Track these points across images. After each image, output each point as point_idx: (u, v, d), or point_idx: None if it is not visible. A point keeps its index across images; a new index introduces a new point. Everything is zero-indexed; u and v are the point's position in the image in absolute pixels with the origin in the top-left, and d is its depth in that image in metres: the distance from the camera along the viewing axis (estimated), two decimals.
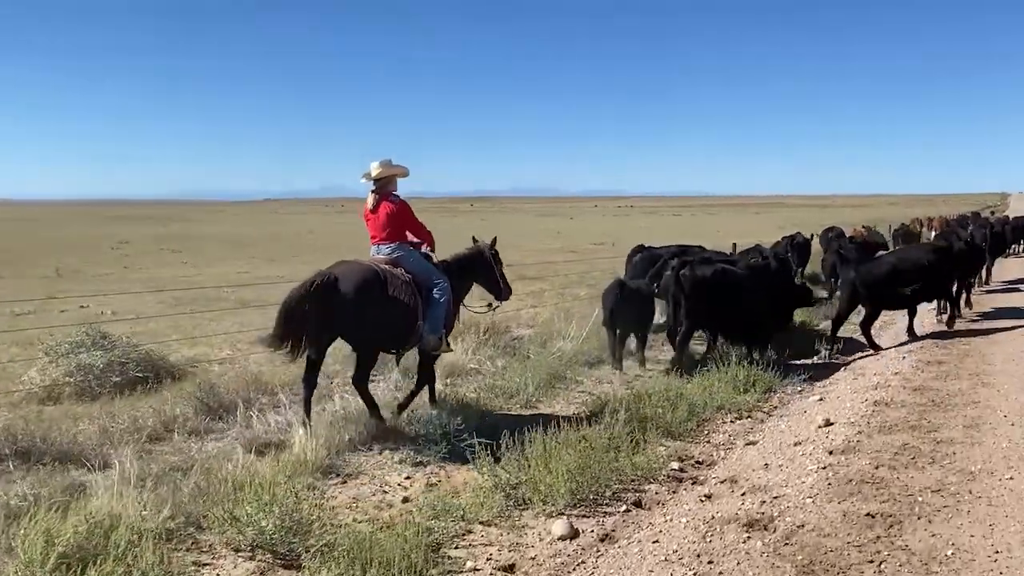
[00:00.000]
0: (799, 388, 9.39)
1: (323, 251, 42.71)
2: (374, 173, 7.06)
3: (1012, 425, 6.52)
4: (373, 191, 7.12)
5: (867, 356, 10.93)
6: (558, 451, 5.81)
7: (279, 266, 31.85)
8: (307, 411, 6.59)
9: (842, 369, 10.25)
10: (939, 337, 11.76)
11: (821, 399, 8.43)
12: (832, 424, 6.97)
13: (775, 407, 8.53)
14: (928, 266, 11.20)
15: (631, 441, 6.61)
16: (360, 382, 6.78)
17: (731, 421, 7.89)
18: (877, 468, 5.52)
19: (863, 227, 31.44)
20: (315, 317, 6.21)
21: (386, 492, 5.68)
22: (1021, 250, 27.59)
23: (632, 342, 10.55)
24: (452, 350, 8.03)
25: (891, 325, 13.33)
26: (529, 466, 5.64)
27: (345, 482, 5.84)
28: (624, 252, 14.66)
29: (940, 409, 7.18)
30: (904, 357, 10.05)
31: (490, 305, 8.19)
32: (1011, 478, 5.27)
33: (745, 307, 9.83)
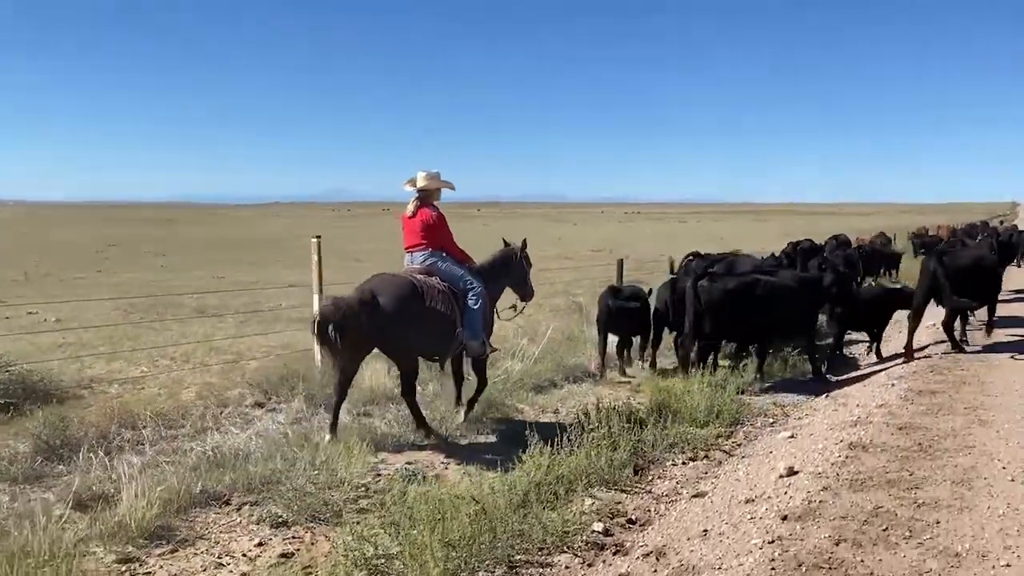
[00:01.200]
0: (771, 420, 8.24)
1: (307, 255, 41.89)
2: (420, 183, 7.17)
3: (1012, 481, 5.32)
4: (415, 199, 7.21)
5: (857, 378, 9.79)
6: (452, 509, 4.69)
7: (259, 270, 30.94)
8: (335, 418, 6.69)
9: (824, 396, 9.09)
10: (937, 353, 10.63)
11: (792, 436, 7.25)
12: (796, 473, 5.79)
13: (739, 444, 7.37)
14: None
15: (551, 493, 5.49)
16: (408, 395, 6.82)
17: (683, 463, 6.72)
18: (838, 544, 4.33)
19: (879, 235, 30.93)
20: (353, 333, 6.26)
21: (222, 566, 4.53)
22: None
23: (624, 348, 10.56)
24: (497, 349, 8.09)
25: (887, 341, 12.16)
26: (413, 530, 4.51)
27: (175, 551, 4.66)
28: (626, 258, 14.64)
29: (927, 456, 5.99)
30: (893, 384, 8.86)
31: (514, 307, 8.29)
32: (1007, 564, 4.07)
33: (772, 316, 9.69)
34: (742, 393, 8.99)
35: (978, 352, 10.91)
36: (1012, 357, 10.27)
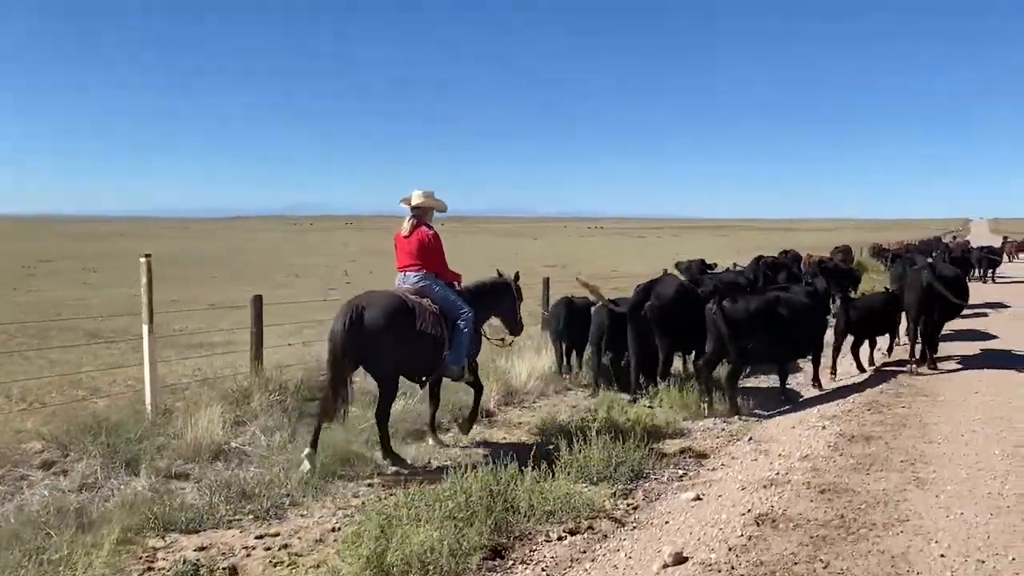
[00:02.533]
0: (681, 472, 7.00)
1: (252, 270, 40.83)
2: (415, 201, 7.14)
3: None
4: (410, 217, 7.15)
5: (790, 414, 8.67)
6: None
7: (187, 288, 29.38)
8: (315, 440, 6.48)
9: (747, 439, 7.89)
10: (880, 384, 9.59)
11: (698, 497, 6.01)
12: (684, 561, 4.56)
13: (636, 507, 6.10)
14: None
15: None
16: (382, 417, 6.66)
17: (560, 537, 5.42)
18: None
19: (839, 249, 30.63)
20: (347, 349, 6.27)
21: None
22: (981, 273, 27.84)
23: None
24: (471, 378, 7.69)
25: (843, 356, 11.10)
26: None
27: None
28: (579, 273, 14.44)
29: (848, 535, 4.79)
30: (824, 426, 7.73)
31: (502, 339, 8.32)
32: None
33: (785, 334, 9.26)
34: (655, 437, 7.79)
35: (928, 377, 9.88)
36: (960, 387, 9.22)
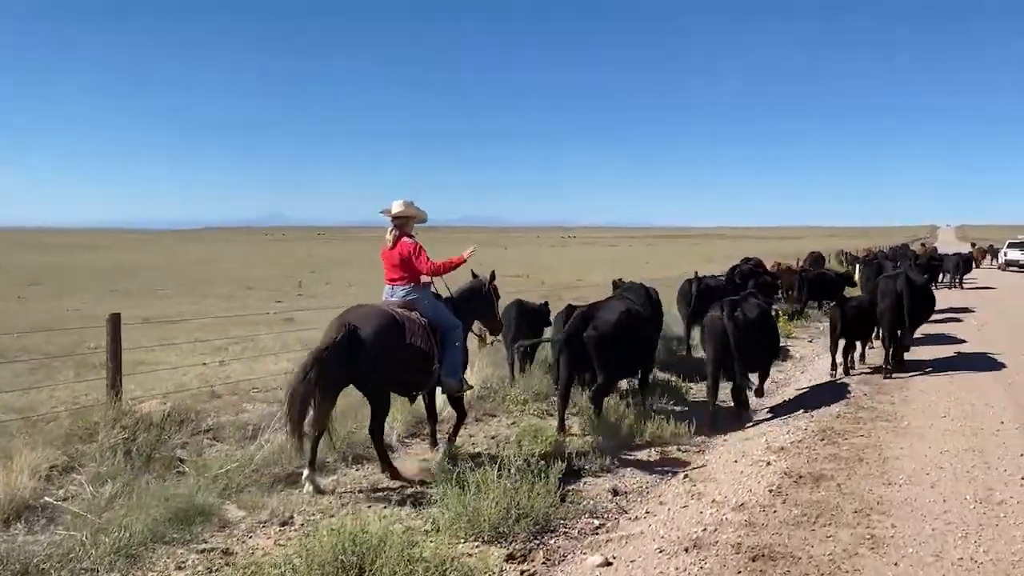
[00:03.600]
0: (598, 522, 5.85)
1: (204, 282, 39.35)
2: (395, 211, 6.97)
3: None
4: (392, 229, 6.98)
5: (736, 441, 7.60)
6: None
7: (127, 300, 27.94)
8: (312, 460, 6.26)
9: (681, 476, 6.76)
10: (838, 403, 8.55)
11: (606, 563, 4.87)
12: None
13: (534, 574, 4.96)
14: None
15: None
16: (377, 433, 6.52)
17: None
18: None
19: (812, 254, 30.24)
20: (334, 366, 6.04)
21: None
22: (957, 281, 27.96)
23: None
24: (472, 387, 7.96)
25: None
26: None
27: None
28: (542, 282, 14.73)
29: None
30: (769, 462, 6.64)
31: (482, 339, 8.17)
32: None
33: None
34: (576, 475, 6.66)
35: (891, 396, 8.86)
36: (925, 410, 8.20)
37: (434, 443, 7.38)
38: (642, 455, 7.44)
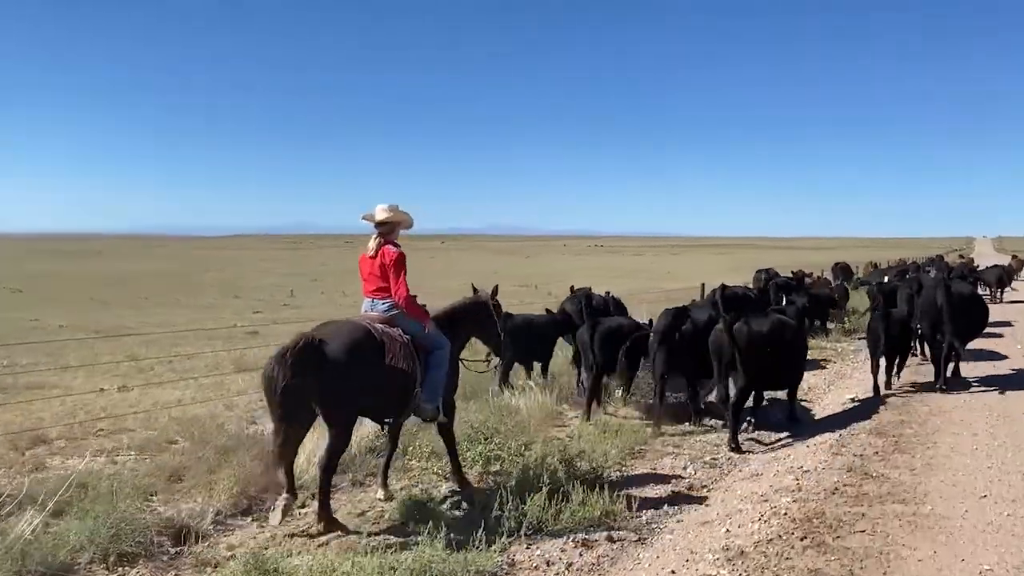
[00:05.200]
0: None
1: (194, 291, 38.04)
2: (379, 216, 6.22)
3: None
4: (376, 236, 6.22)
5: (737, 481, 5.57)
6: None
7: (101, 310, 26.51)
8: (291, 484, 5.51)
9: (666, 533, 4.65)
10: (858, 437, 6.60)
11: None
12: None
13: None
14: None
15: None
16: (328, 469, 5.46)
17: None
18: None
19: (839, 265, 28.33)
20: (296, 389, 5.18)
21: None
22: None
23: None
24: (446, 421, 6.49)
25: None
26: None
27: None
28: (548, 293, 13.72)
29: None
30: (764, 518, 4.65)
31: (488, 360, 7.30)
32: None
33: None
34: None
35: (914, 464, 6.69)
36: (960, 487, 6.01)
37: (385, 473, 6.39)
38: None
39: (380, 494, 6.24)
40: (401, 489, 6.44)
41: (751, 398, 8.38)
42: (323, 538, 5.28)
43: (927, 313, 10.69)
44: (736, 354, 7.88)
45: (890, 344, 10.31)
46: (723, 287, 13.14)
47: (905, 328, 10.88)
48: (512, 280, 45.87)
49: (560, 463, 6.54)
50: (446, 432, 6.50)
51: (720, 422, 8.59)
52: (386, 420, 6.32)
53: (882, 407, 9.11)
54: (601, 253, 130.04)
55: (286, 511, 5.42)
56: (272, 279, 45.73)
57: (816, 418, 9.02)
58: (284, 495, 5.44)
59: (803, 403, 9.80)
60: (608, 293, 12.75)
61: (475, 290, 7.34)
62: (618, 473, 6.84)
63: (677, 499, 6.15)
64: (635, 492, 6.19)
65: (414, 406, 6.13)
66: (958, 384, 10.38)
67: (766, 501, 5.77)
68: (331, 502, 5.55)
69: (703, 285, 17.54)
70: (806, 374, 12.17)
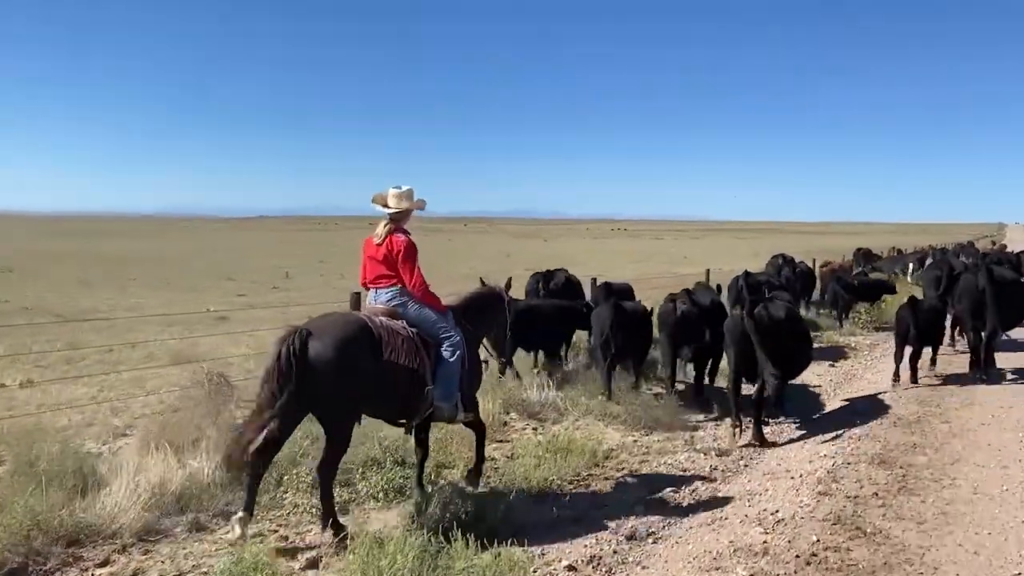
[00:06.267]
0: None
1: (183, 273, 36.83)
2: (392, 203, 5.66)
3: None
4: (387, 222, 5.65)
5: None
6: None
7: (78, 291, 25.47)
8: (250, 502, 4.95)
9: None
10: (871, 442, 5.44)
11: None
12: None
13: None
14: None
15: None
16: (326, 473, 4.99)
17: None
18: None
19: (861, 251, 28.37)
20: (283, 386, 4.81)
21: None
22: None
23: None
24: (471, 419, 5.93)
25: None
26: None
27: None
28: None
29: None
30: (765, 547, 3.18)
31: (485, 362, 6.49)
32: None
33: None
34: None
35: (928, 491, 5.16)
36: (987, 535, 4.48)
37: (419, 482, 5.83)
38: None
39: (417, 496, 5.66)
40: (256, 536, 4.98)
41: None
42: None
43: (967, 299, 10.21)
44: (758, 341, 7.42)
45: (919, 332, 9.78)
46: (747, 273, 13.07)
47: (936, 316, 10.29)
48: (525, 264, 44.49)
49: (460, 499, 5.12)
50: (475, 426, 6.02)
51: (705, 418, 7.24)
52: (400, 422, 5.71)
53: (892, 423, 7.55)
54: (621, 237, 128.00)
55: (244, 527, 4.86)
56: (277, 260, 44.59)
57: (810, 436, 7.48)
58: (242, 512, 4.90)
59: (803, 411, 8.36)
60: (556, 271, 12.08)
61: (482, 282, 6.92)
62: (533, 517, 5.34)
63: (600, 562, 4.63)
64: (548, 551, 4.72)
65: (428, 406, 5.54)
66: (995, 374, 9.98)
67: (717, 570, 4.25)
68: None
69: (708, 271, 16.18)
70: (811, 374, 10.78)
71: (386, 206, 5.69)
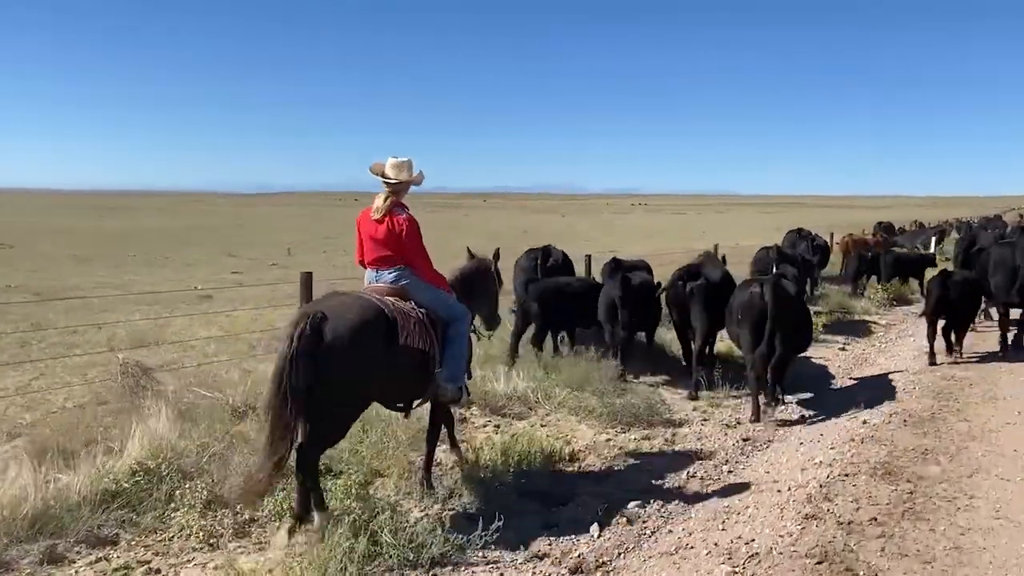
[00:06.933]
0: None
1: (183, 249, 36.22)
2: (391, 173, 5.34)
3: None
4: (386, 194, 5.31)
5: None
6: None
7: (71, 267, 24.94)
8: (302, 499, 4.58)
9: None
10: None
11: None
12: None
13: None
14: None
15: None
16: (315, 456, 4.62)
17: None
18: None
19: (881, 224, 28.24)
20: (292, 373, 4.40)
21: None
22: None
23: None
24: (473, 402, 6.56)
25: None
26: None
27: None
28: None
29: None
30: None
31: (475, 331, 6.22)
32: None
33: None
34: None
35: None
36: None
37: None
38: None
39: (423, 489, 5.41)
40: (119, 570, 4.15)
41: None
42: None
43: (1001, 272, 9.84)
44: (775, 316, 7.25)
45: (950, 307, 9.44)
46: (777, 248, 13.26)
47: (970, 290, 9.79)
48: (539, 239, 43.59)
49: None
50: (446, 413, 5.77)
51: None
52: (398, 406, 5.50)
53: (902, 422, 6.58)
54: (642, 212, 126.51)
55: (293, 531, 4.46)
56: (285, 236, 44.00)
57: (808, 435, 6.54)
58: (291, 518, 4.54)
59: (803, 403, 7.47)
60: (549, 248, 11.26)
61: (471, 255, 6.64)
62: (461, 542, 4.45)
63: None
64: None
65: (434, 389, 5.33)
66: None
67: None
68: None
69: (716, 246, 15.25)
70: (819, 359, 10.03)
71: (384, 176, 5.38)
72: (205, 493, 4.80)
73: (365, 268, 5.47)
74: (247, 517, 4.79)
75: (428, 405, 5.57)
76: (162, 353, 10.77)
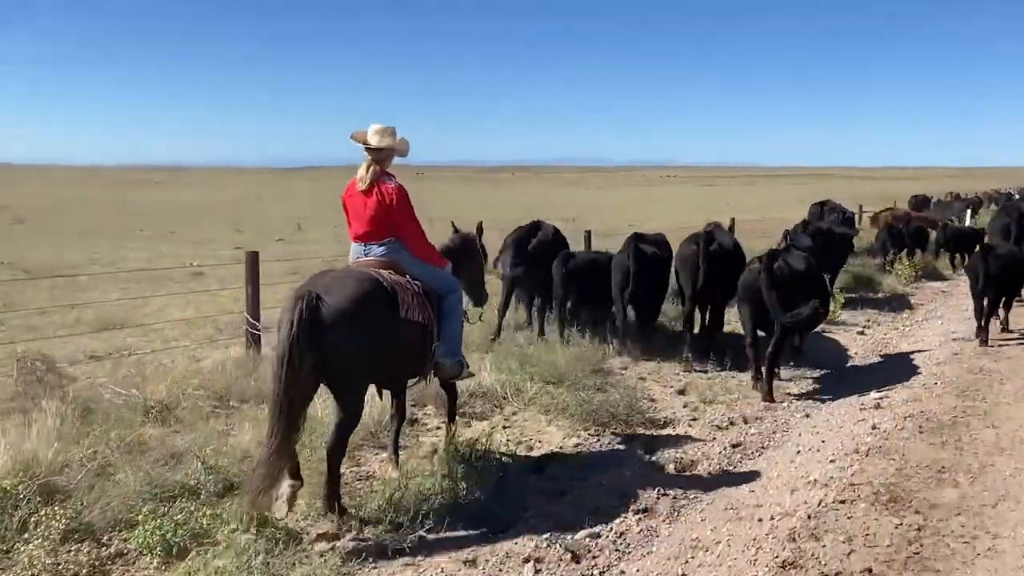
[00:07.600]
0: None
1: (192, 223, 35.80)
2: (373, 141, 5.10)
3: None
4: (369, 166, 5.09)
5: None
6: None
7: (78, 242, 24.62)
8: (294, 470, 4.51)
9: None
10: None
11: None
12: None
13: None
14: None
15: None
16: (338, 451, 4.52)
17: None
18: None
19: (915, 197, 28.48)
20: (292, 354, 4.28)
21: None
22: None
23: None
24: (473, 374, 6.08)
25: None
26: None
27: None
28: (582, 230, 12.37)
29: None
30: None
31: (466, 316, 5.92)
32: None
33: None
34: None
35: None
36: None
37: (395, 448, 5.37)
38: None
39: (392, 473, 5.22)
40: None
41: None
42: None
43: None
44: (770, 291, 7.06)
45: (993, 284, 8.96)
46: (805, 223, 12.97)
47: (1016, 265, 9.36)
48: (557, 213, 42.71)
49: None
50: (450, 387, 5.70)
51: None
52: (397, 386, 5.37)
53: (917, 428, 5.66)
54: (669, 184, 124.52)
55: (292, 500, 4.41)
56: (297, 210, 43.41)
57: (806, 441, 5.65)
58: (289, 481, 4.41)
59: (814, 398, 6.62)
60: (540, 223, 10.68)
61: (455, 229, 6.56)
62: None
63: None
64: None
65: (432, 365, 5.21)
66: None
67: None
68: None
69: (733, 220, 14.37)
70: (836, 343, 9.22)
71: (366, 143, 5.14)
72: (65, 522, 4.02)
73: (351, 243, 5.25)
74: (112, 551, 4.02)
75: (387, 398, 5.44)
76: (121, 337, 10.12)
